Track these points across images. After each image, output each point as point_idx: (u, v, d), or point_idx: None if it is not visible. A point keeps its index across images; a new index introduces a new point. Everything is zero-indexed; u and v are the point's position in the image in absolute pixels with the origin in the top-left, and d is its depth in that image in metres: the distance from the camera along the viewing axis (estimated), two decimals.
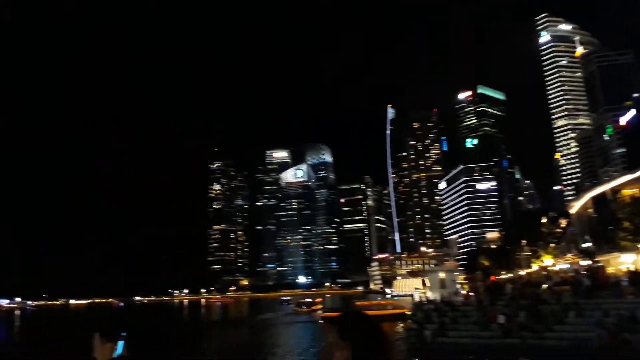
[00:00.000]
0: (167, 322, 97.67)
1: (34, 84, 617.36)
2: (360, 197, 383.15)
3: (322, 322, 59.42)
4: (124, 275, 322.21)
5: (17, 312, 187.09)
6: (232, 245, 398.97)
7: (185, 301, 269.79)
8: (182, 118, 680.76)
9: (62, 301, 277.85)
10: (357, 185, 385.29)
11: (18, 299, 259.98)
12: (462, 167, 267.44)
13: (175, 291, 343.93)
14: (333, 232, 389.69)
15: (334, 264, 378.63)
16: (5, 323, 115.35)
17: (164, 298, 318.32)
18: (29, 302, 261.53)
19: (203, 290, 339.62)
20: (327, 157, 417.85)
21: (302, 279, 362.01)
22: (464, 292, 57.09)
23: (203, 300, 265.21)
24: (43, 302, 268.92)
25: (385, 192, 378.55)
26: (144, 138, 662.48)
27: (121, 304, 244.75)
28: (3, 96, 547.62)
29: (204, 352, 45.10)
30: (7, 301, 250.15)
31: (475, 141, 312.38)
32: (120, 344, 3.60)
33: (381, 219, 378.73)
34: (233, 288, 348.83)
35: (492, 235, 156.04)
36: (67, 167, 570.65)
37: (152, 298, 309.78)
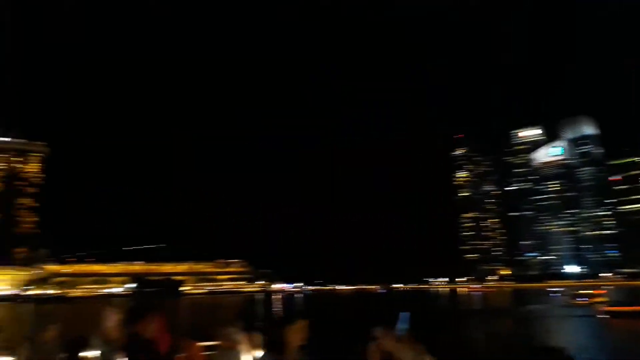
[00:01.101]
0: (428, 308, 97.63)
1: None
2: (637, 172, 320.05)
3: (606, 316, 48.90)
4: (384, 264, 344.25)
5: (298, 295, 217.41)
6: (485, 233, 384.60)
7: (443, 289, 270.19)
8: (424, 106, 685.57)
9: (331, 287, 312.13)
10: (632, 159, 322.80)
11: (299, 284, 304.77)
12: None
13: (432, 279, 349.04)
14: (607, 214, 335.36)
15: (612, 251, 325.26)
16: (289, 302, 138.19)
17: (422, 286, 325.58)
18: (307, 287, 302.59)
19: (460, 280, 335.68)
20: (590, 130, 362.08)
21: (571, 269, 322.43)
22: None
23: (462, 289, 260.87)
24: (317, 287, 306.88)
25: None
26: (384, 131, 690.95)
27: (382, 291, 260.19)
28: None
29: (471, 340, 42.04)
30: (291, 285, 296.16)
31: None
32: (405, 316, 3.76)
33: None
34: (493, 277, 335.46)
35: None
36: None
37: (411, 286, 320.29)
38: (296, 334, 4.25)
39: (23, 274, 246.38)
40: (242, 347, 7.25)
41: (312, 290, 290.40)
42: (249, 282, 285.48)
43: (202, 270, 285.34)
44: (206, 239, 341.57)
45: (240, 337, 7.24)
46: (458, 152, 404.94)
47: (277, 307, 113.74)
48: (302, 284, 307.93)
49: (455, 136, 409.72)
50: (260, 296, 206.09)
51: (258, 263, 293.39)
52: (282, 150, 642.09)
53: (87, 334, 7.47)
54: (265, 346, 4.63)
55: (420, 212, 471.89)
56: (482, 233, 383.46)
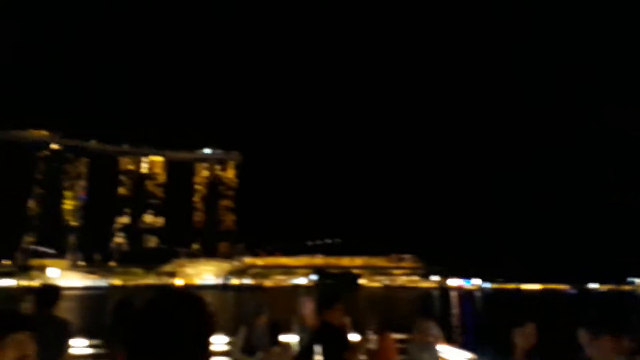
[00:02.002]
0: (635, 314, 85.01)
1: None
2: None
3: None
4: (577, 261, 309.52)
5: (477, 294, 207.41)
6: None
7: None
8: None
9: (514, 284, 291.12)
10: None
11: (477, 281, 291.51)
12: None
13: (637, 279, 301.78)
14: None
15: None
16: (467, 300, 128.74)
17: (624, 287, 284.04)
18: (486, 284, 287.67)
19: None
20: None
21: None
22: None
23: None
24: (498, 285, 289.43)
25: None
26: None
27: (573, 291, 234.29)
28: None
29: None
30: (468, 282, 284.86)
31: None
32: None
33: None
34: None
35: None
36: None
37: (609, 286, 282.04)
38: (525, 338, 4.18)
39: (226, 266, 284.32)
40: (437, 341, 7.52)
41: (492, 288, 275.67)
42: (422, 277, 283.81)
43: (376, 264, 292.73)
44: (380, 233, 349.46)
45: (437, 331, 7.50)
46: None
47: (455, 304, 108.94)
48: (479, 280, 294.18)
49: None
50: (436, 292, 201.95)
51: (432, 258, 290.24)
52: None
53: (284, 320, 8.09)
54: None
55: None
56: None
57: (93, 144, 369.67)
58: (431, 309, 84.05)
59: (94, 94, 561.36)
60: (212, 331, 1.77)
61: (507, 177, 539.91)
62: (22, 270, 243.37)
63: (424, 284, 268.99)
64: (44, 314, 5.49)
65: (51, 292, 5.69)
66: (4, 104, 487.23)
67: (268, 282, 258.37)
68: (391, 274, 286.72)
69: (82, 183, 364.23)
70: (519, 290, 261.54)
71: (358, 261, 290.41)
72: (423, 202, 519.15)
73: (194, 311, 1.74)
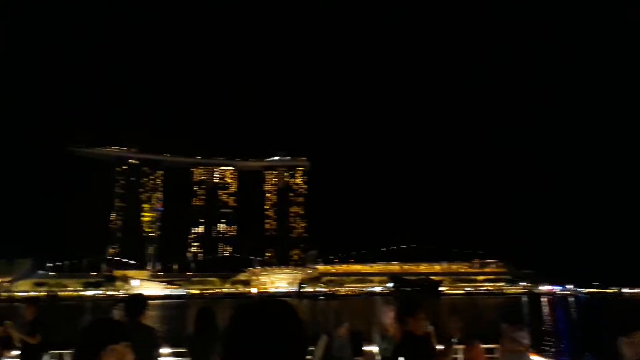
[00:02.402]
0: None
1: None
2: None
3: None
4: None
5: (571, 299, 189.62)
6: None
7: None
8: None
9: (614, 289, 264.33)
10: None
11: (569, 286, 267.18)
12: None
13: None
14: None
15: None
16: (562, 308, 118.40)
17: None
18: (580, 290, 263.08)
19: None
20: None
21: None
22: None
23: None
24: (594, 290, 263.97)
25: None
26: None
27: None
28: None
29: None
30: (560, 288, 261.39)
31: None
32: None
33: None
34: None
35: None
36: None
37: None
38: (634, 347, 3.91)
39: (299, 274, 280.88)
40: (529, 350, 6.61)
41: (586, 293, 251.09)
42: (509, 283, 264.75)
43: (457, 270, 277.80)
44: (459, 237, 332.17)
45: (528, 340, 6.51)
46: None
47: (546, 311, 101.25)
48: (572, 286, 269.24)
49: None
50: (525, 299, 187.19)
51: (519, 263, 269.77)
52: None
53: (361, 329, 7.73)
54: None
55: None
56: None
57: (167, 157, 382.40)
58: (520, 317, 79.87)
59: (166, 108, 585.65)
60: (308, 341, 1.74)
61: (606, 173, 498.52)
62: (107, 280, 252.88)
63: (511, 290, 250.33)
64: (133, 323, 5.81)
65: (139, 302, 5.99)
66: (84, 123, 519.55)
67: (342, 290, 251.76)
68: (474, 280, 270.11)
69: (159, 195, 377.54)
70: (620, 295, 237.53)
71: (437, 267, 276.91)
72: (506, 202, 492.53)
73: (291, 321, 1.71)
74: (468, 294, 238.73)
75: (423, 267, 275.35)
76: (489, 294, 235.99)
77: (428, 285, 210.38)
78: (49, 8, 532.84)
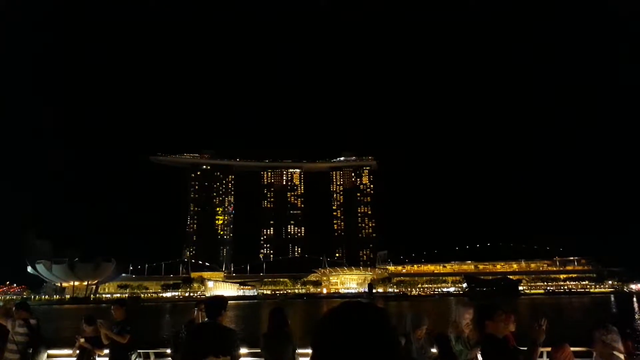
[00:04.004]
0: None
1: None
2: None
3: None
4: None
5: None
6: None
7: None
8: None
9: None
10: None
11: None
12: None
13: None
14: None
15: None
16: None
17: None
18: None
19: None
20: None
21: None
22: None
23: None
24: None
25: None
26: None
27: None
28: None
29: None
30: None
31: None
32: None
33: None
34: None
35: None
36: None
37: None
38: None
39: (369, 274, 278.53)
40: (621, 354, 6.25)
41: None
42: (594, 282, 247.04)
43: (536, 269, 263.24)
44: (537, 234, 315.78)
45: (620, 343, 6.23)
46: None
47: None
48: None
49: None
50: (614, 298, 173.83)
51: (605, 260, 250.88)
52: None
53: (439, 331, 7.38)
54: None
55: None
56: None
57: (238, 162, 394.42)
58: (610, 318, 68.16)
59: (234, 114, 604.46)
60: (398, 345, 1.71)
61: None
62: (185, 282, 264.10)
63: (597, 290, 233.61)
64: (213, 324, 6.08)
65: (219, 303, 6.25)
66: (160, 132, 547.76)
67: (414, 291, 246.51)
68: (555, 279, 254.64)
69: (230, 199, 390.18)
70: None
71: (514, 266, 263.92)
72: (589, 197, 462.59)
73: (382, 325, 1.66)
74: (549, 293, 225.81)
75: (499, 266, 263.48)
76: (572, 293, 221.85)
77: (505, 284, 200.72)
78: (128, 24, 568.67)
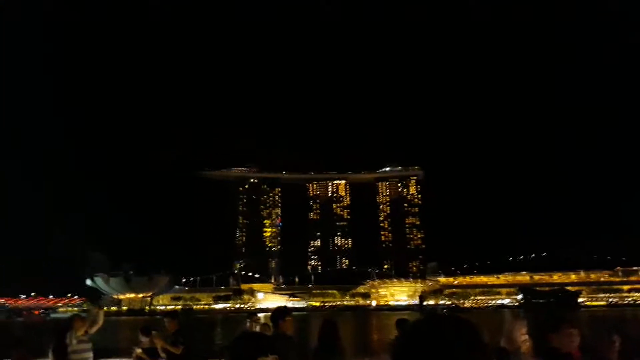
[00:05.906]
0: None
1: None
2: None
3: None
4: None
5: None
6: None
7: None
8: None
9: None
10: None
11: None
12: None
13: None
14: None
15: None
16: None
17: None
18: None
19: None
20: None
21: None
22: None
23: None
24: None
25: None
26: None
27: None
28: None
29: None
30: None
31: None
32: None
33: None
34: None
35: None
36: None
37: None
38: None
39: (419, 286, 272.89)
40: None
41: None
42: None
43: (597, 279, 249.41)
44: (596, 244, 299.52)
45: None
46: None
47: None
48: None
49: None
50: None
51: None
52: None
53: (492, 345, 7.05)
54: None
55: None
56: None
57: (284, 174, 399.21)
58: None
59: (280, 128, 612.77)
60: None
61: None
62: (235, 294, 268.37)
63: None
64: (277, 334, 6.45)
65: (282, 313, 6.53)
66: (208, 147, 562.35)
67: (467, 303, 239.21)
68: (618, 290, 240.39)
69: (278, 211, 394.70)
70: None
71: (573, 276, 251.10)
72: None
73: (472, 339, 1.55)
74: (611, 305, 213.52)
75: (556, 277, 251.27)
76: (638, 305, 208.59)
77: (564, 296, 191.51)
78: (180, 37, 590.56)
